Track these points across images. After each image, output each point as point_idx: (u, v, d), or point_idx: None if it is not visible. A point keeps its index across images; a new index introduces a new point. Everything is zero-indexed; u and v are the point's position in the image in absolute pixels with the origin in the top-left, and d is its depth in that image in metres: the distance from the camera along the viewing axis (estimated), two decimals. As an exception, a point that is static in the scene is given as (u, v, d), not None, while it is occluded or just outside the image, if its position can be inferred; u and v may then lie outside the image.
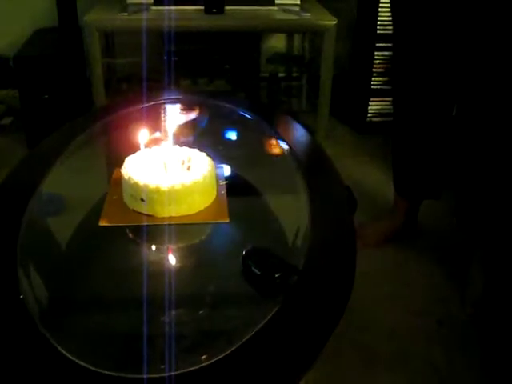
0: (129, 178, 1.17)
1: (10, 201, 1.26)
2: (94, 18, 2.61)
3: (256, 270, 1.00)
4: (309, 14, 2.66)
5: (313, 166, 1.46)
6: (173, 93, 2.02)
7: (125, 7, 2.68)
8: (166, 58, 2.86)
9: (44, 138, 1.56)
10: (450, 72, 1.81)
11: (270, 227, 1.22)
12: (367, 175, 2.59)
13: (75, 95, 2.76)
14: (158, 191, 1.14)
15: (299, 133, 1.68)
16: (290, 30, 2.95)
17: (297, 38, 3.22)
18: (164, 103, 1.78)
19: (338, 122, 3.11)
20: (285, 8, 2.72)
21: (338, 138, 2.97)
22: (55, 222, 1.28)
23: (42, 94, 2.71)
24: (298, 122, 1.70)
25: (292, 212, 1.29)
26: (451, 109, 1.93)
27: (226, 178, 1.32)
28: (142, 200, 1.16)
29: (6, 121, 3.00)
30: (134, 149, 1.27)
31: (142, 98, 1.82)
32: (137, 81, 2.96)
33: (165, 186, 1.14)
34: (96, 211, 1.20)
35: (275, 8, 2.73)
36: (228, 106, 1.79)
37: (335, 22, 2.61)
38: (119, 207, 1.20)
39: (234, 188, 1.31)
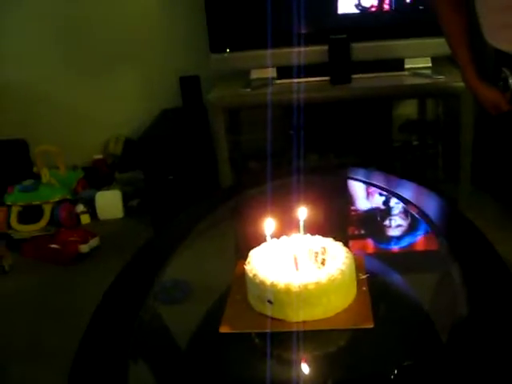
0: (254, 275, 1.01)
1: (133, 284, 1.20)
2: (218, 96, 2.57)
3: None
4: (442, 77, 2.47)
5: (469, 251, 1.23)
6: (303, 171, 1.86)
7: (248, 83, 2.62)
8: (292, 132, 2.75)
9: (169, 219, 1.54)
10: None
11: (423, 331, 1.01)
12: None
13: (201, 175, 2.70)
14: (287, 292, 0.97)
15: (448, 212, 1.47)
16: (422, 94, 2.76)
17: (430, 103, 3.01)
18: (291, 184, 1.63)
19: (478, 191, 2.83)
20: (416, 72, 2.54)
21: (481, 209, 2.69)
22: (177, 313, 1.19)
23: (167, 175, 2.67)
24: (444, 199, 1.49)
25: (448, 307, 1.07)
26: None
27: (368, 271, 1.13)
28: (270, 302, 0.99)
29: (134, 202, 2.98)
30: (260, 238, 1.12)
31: (268, 179, 1.70)
32: (264, 158, 2.85)
33: (296, 285, 0.97)
34: (219, 305, 1.07)
35: (405, 73, 2.56)
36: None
37: (473, 84, 2.39)
38: (243, 309, 1.04)
39: (378, 281, 1.12)
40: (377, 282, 1.12)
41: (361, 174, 1.77)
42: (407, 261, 1.32)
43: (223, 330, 1.00)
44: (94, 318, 1.07)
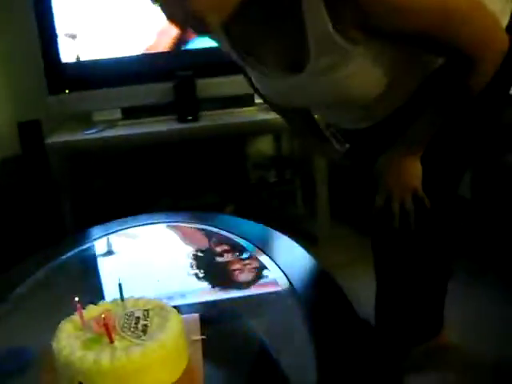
0: (60, 351, 0.84)
1: None
2: (59, 141, 2.40)
3: None
4: (293, 110, 2.41)
5: (320, 307, 1.12)
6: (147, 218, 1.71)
7: (91, 125, 2.45)
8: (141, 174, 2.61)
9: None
10: None
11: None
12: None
13: (46, 224, 2.49)
14: (98, 369, 0.80)
15: (289, 250, 1.36)
16: (273, 130, 2.69)
17: (285, 138, 2.95)
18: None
19: (338, 224, 2.79)
20: (266, 107, 2.46)
21: (344, 243, 2.64)
22: None
23: (9, 227, 2.43)
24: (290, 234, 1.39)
25: (293, 352, 0.96)
26: None
27: (204, 332, 0.98)
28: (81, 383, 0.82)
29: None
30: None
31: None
32: (114, 204, 2.68)
33: (106, 360, 0.80)
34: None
35: (255, 108, 2.48)
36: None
37: (323, 116, 2.35)
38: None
39: (217, 343, 0.98)
40: (221, 340, 0.99)
41: (207, 219, 1.64)
42: (257, 308, 1.19)
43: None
44: None
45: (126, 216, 1.69)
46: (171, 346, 0.85)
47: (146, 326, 0.88)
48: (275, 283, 1.19)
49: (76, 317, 0.91)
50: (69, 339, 0.86)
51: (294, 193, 2.91)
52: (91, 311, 0.92)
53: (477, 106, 1.34)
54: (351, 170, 1.81)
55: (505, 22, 1.28)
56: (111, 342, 0.84)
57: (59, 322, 0.91)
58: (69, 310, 0.93)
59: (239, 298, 1.23)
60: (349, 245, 2.62)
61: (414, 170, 1.34)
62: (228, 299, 1.23)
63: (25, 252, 1.73)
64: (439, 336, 1.76)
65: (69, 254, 1.45)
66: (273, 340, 1.03)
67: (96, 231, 1.62)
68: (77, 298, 0.90)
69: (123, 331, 0.86)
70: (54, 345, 0.86)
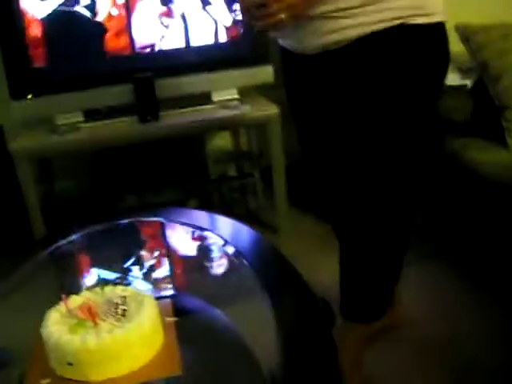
0: (49, 336, 0.94)
1: None
2: (22, 145, 2.43)
3: None
4: (248, 107, 2.52)
5: (276, 281, 1.23)
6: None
7: (54, 129, 2.50)
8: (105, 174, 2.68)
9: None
10: None
11: (235, 369, 0.99)
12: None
13: (12, 229, 2.54)
14: (85, 349, 0.91)
15: (254, 241, 1.47)
16: (231, 126, 2.80)
17: (243, 133, 3.06)
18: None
19: (302, 213, 2.91)
20: (223, 104, 2.57)
21: (304, 231, 2.76)
22: None
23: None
24: (251, 227, 1.50)
25: (262, 340, 1.06)
26: None
27: (178, 313, 1.09)
28: (70, 364, 0.92)
29: None
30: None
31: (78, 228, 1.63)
32: (79, 205, 2.75)
33: (92, 341, 0.91)
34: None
35: (213, 106, 2.58)
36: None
37: (277, 111, 2.47)
38: (45, 374, 0.96)
39: (189, 322, 1.09)
40: (192, 323, 1.10)
41: (174, 213, 1.74)
42: (226, 298, 1.29)
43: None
44: None
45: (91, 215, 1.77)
46: (148, 326, 0.96)
47: (124, 310, 0.99)
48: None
49: (61, 306, 1.01)
50: (56, 325, 0.96)
51: (253, 186, 3.02)
52: (74, 300, 1.02)
53: (419, 94, 1.47)
54: (305, 158, 1.90)
55: None
56: (95, 325, 0.95)
57: (37, 321, 1.00)
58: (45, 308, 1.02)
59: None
60: (308, 233, 2.74)
61: None
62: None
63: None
64: (394, 312, 1.90)
65: (42, 254, 1.51)
66: (236, 317, 1.13)
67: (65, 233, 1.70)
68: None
69: (105, 316, 0.97)
70: (43, 331, 0.96)
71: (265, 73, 2.57)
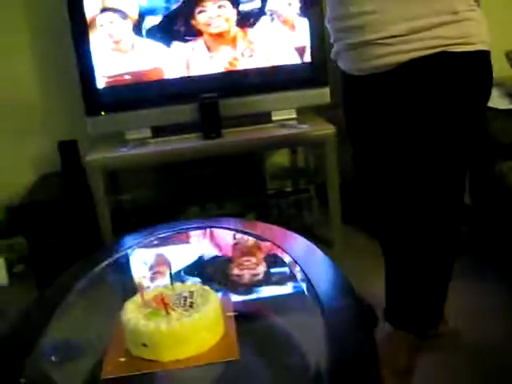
0: (128, 322, 1.10)
1: (15, 346, 1.22)
2: (95, 158, 2.62)
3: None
4: (306, 126, 2.66)
5: (326, 285, 1.37)
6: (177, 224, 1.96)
7: (124, 143, 2.70)
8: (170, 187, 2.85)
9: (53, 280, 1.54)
10: None
11: (286, 359, 1.13)
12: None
13: (83, 236, 2.73)
14: (158, 333, 1.07)
15: (307, 250, 1.60)
16: (289, 144, 2.94)
17: (300, 151, 3.21)
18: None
19: (354, 229, 3.01)
20: (282, 123, 2.72)
21: (356, 246, 2.86)
22: (68, 371, 1.21)
23: (50, 239, 2.69)
24: (307, 238, 1.63)
25: (309, 337, 1.19)
26: None
27: (236, 309, 1.24)
28: (144, 345, 1.08)
29: (18, 268, 2.98)
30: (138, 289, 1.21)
31: (146, 234, 1.79)
32: (147, 216, 2.94)
33: (164, 326, 1.06)
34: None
35: (272, 125, 2.74)
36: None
37: (333, 130, 2.60)
38: (121, 355, 1.12)
39: (246, 318, 1.23)
40: (247, 321, 1.24)
41: (237, 224, 1.89)
42: (280, 307, 1.41)
43: (105, 375, 1.07)
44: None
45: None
46: (212, 316, 1.12)
47: (192, 302, 1.14)
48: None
49: (137, 298, 1.17)
50: (133, 313, 1.12)
51: (309, 201, 3.15)
52: (149, 294, 1.18)
53: (461, 117, 1.59)
54: (358, 176, 2.03)
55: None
56: (167, 314, 1.10)
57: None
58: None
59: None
60: (361, 249, 2.84)
61: None
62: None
63: (66, 263, 1.98)
64: (441, 323, 2.00)
65: (108, 261, 1.65)
66: (292, 327, 1.26)
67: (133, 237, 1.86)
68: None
69: (175, 306, 1.12)
70: (123, 317, 1.12)
71: (322, 94, 2.72)
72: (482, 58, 1.59)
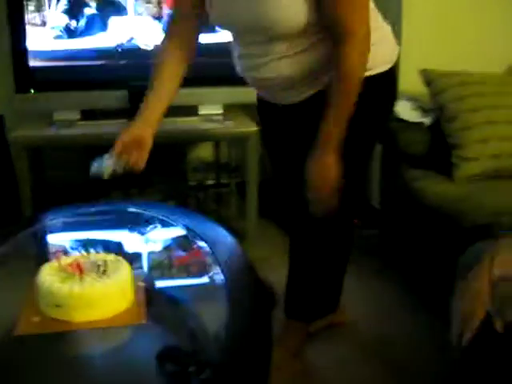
0: (43, 283, 1.18)
1: None
2: (21, 135, 2.65)
3: (170, 367, 1.01)
4: (230, 122, 2.77)
5: (233, 269, 1.47)
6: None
7: (52, 123, 2.73)
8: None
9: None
10: None
11: (188, 327, 1.24)
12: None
13: (4, 209, 2.75)
14: (71, 295, 1.15)
15: (221, 236, 1.70)
16: (213, 138, 3.05)
17: (223, 146, 3.31)
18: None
19: (270, 225, 3.14)
20: (208, 118, 2.82)
21: (269, 240, 2.99)
22: None
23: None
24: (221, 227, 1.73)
25: (211, 309, 1.31)
26: None
27: (145, 280, 1.34)
28: (58, 306, 1.17)
29: None
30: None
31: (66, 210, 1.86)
32: (68, 194, 2.97)
33: (77, 289, 1.15)
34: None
35: (198, 118, 2.83)
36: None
37: (256, 129, 2.71)
38: (35, 315, 1.20)
39: (154, 290, 1.33)
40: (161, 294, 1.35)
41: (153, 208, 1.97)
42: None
43: (17, 332, 1.15)
44: None
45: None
46: (123, 283, 1.22)
47: (105, 270, 1.23)
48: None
49: (54, 263, 1.25)
50: (49, 276, 1.21)
51: (229, 196, 3.26)
52: (65, 260, 1.27)
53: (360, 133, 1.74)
54: (276, 175, 2.17)
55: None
56: (81, 278, 1.19)
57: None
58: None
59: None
60: (272, 241, 2.97)
61: (332, 167, 1.64)
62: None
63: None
64: (337, 313, 2.17)
65: (30, 230, 1.72)
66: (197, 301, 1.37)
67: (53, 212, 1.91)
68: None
69: (89, 272, 1.21)
70: (39, 279, 1.20)
71: (249, 93, 2.81)
72: (383, 79, 1.75)
